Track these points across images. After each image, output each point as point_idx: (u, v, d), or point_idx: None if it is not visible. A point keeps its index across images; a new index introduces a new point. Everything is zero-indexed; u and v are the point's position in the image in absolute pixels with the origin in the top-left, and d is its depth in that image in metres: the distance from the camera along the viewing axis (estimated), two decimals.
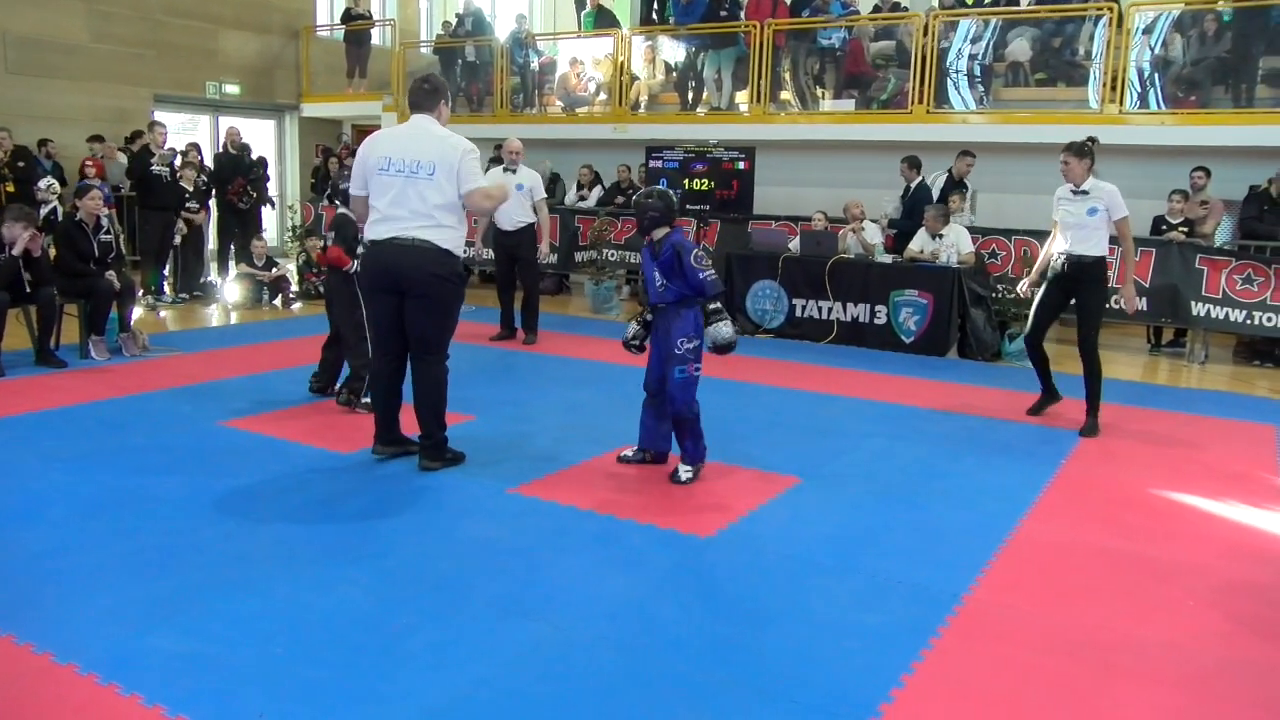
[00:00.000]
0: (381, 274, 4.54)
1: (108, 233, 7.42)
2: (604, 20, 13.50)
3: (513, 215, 8.30)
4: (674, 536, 4.01)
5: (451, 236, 4.53)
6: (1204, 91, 9.80)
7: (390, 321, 4.63)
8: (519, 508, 4.31)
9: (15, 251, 6.59)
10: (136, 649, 2.92)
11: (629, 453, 5.00)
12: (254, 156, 12.06)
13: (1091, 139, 6.12)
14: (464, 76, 14.04)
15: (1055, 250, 6.18)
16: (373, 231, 4.57)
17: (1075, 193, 6.03)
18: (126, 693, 2.68)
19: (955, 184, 9.70)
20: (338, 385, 6.04)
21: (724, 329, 4.60)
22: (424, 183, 4.43)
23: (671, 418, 4.76)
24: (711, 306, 4.62)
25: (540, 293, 8.87)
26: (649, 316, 4.85)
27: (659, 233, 4.72)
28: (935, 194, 9.68)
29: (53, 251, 7.20)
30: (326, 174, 12.92)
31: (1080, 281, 6.06)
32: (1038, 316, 6.31)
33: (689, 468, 4.73)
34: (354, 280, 5.42)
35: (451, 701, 2.71)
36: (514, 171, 8.33)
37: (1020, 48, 10.76)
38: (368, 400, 5.64)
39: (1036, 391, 6.59)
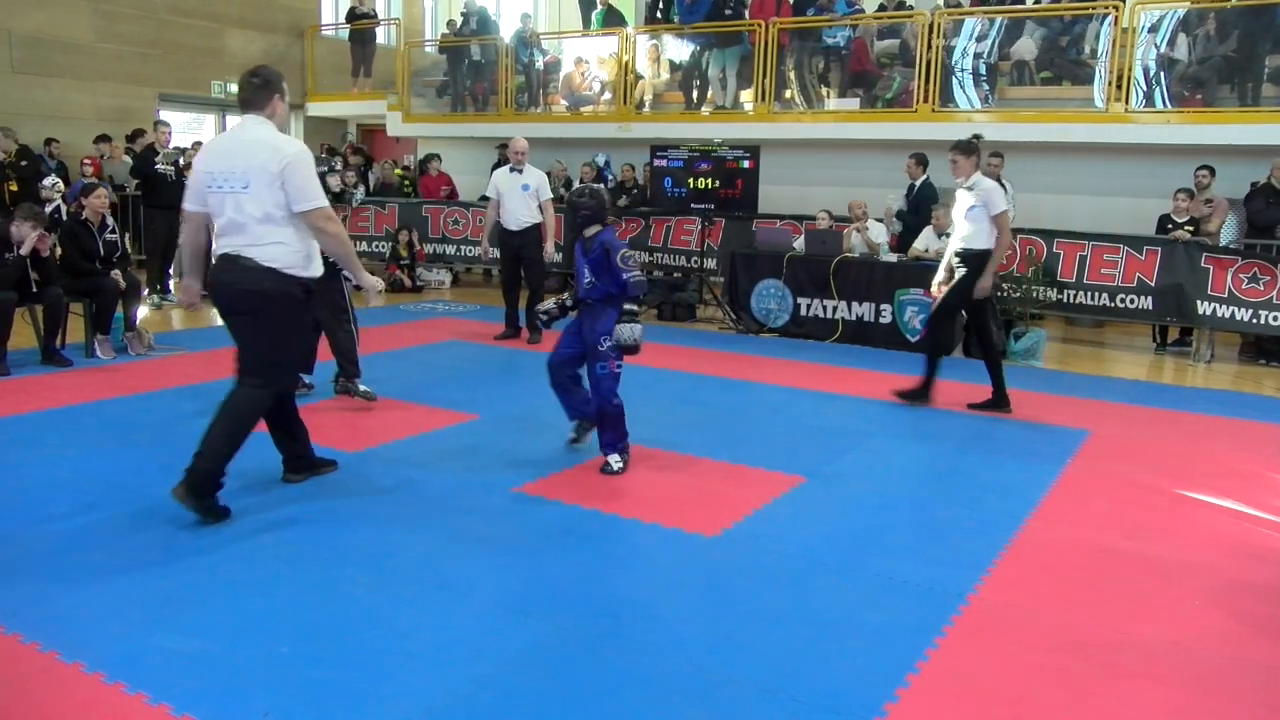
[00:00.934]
0: (216, 294, 4.07)
1: (113, 232, 7.43)
2: (613, 20, 13.50)
3: (519, 215, 8.29)
4: (678, 536, 4.01)
5: (279, 253, 3.95)
6: (1209, 90, 9.77)
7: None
8: (523, 507, 4.31)
9: (23, 251, 6.60)
10: (141, 648, 2.92)
11: (573, 434, 5.21)
12: None
13: (977, 136, 6.35)
14: (469, 75, 14.05)
15: (502, 221, 7.14)
16: (215, 250, 4.15)
17: (962, 189, 6.24)
18: (132, 691, 2.68)
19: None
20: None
21: (632, 330, 4.72)
22: (241, 196, 3.90)
23: (596, 412, 4.87)
24: (627, 306, 4.75)
25: (545, 292, 8.89)
26: (569, 302, 5.07)
27: (590, 230, 4.83)
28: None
29: (58, 250, 7.21)
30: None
31: (966, 273, 6.25)
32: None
33: (617, 456, 4.83)
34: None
35: (455, 700, 2.71)
36: (520, 172, 8.31)
37: (1025, 46, 10.74)
38: (365, 388, 5.89)
39: (1039, 390, 6.60)
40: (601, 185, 7.85)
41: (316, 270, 4.15)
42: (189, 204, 4.11)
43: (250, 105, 4.05)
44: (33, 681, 2.74)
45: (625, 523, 4.13)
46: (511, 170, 8.35)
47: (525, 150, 8.43)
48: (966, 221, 6.20)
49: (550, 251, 8.42)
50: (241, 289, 3.96)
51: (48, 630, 3.00)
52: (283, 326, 4.08)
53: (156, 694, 2.67)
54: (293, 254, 3.99)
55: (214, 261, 4.08)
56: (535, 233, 8.37)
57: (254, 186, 3.88)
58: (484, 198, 10.28)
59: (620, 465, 4.82)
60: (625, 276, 4.71)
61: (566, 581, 3.52)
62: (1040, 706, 2.80)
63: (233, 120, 14.30)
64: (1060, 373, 8.07)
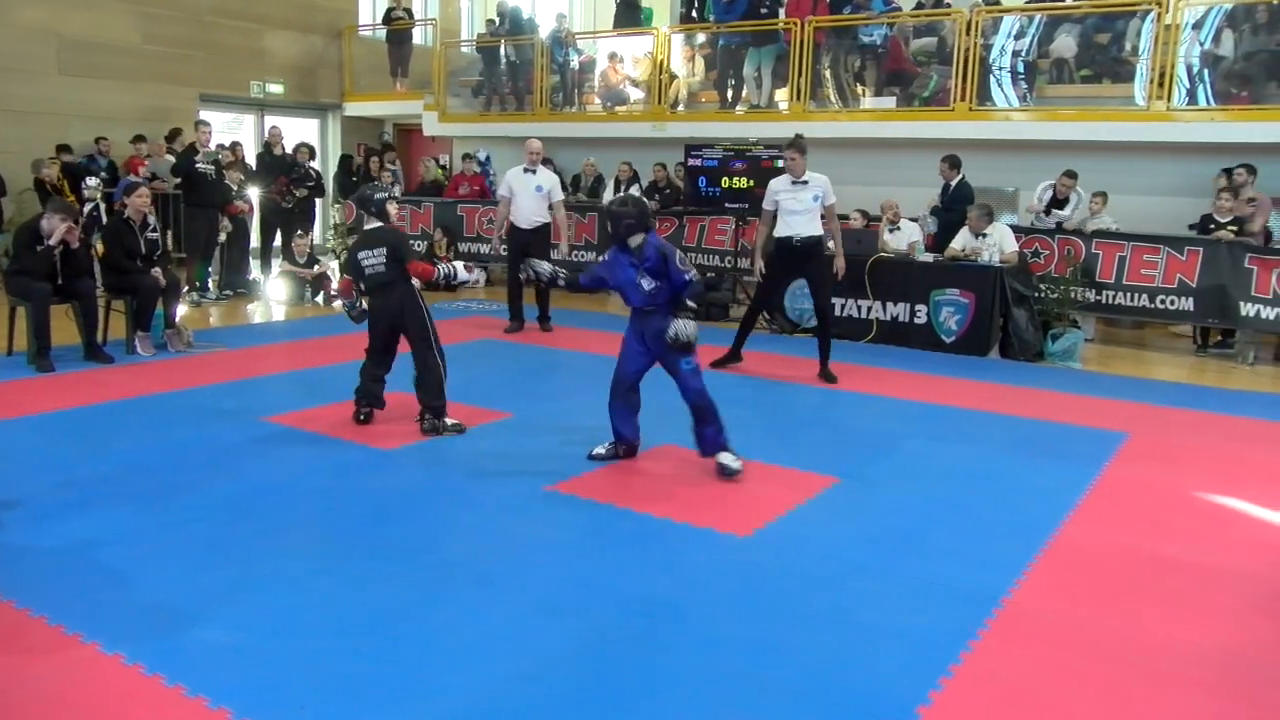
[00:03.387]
0: None
1: (154, 230, 7.54)
2: (630, 16, 13.56)
3: (530, 214, 8.54)
4: (711, 535, 4.00)
5: None
6: (1256, 87, 9.58)
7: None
8: (555, 506, 4.33)
9: (52, 242, 6.71)
10: (182, 641, 2.97)
11: (601, 450, 5.03)
12: (308, 163, 12.01)
13: (799, 135, 7.30)
14: (506, 75, 14.12)
15: (778, 234, 7.11)
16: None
17: (796, 183, 6.97)
18: (171, 683, 2.73)
19: (1058, 201, 9.61)
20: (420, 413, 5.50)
21: (690, 326, 4.73)
22: None
23: (693, 409, 4.81)
24: (690, 305, 4.75)
25: (571, 289, 8.97)
26: (561, 279, 5.14)
27: (636, 239, 4.79)
28: (1042, 206, 9.67)
29: (99, 248, 7.33)
30: (367, 172, 13.03)
31: (811, 258, 7.05)
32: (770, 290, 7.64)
33: (732, 455, 4.76)
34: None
35: (490, 697, 2.72)
36: (533, 172, 8.57)
37: (1065, 44, 10.61)
38: (453, 422, 5.44)
39: (1078, 392, 6.53)
40: (638, 195, 7.81)
41: None
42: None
43: None
44: (75, 672, 2.79)
45: (657, 522, 4.14)
46: (525, 170, 8.60)
47: (539, 151, 8.68)
48: (805, 212, 6.95)
49: (565, 251, 8.68)
50: None
51: (90, 622, 3.06)
52: None
53: (195, 686, 2.71)
54: None
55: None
56: (545, 232, 8.68)
57: None
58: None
59: (739, 465, 4.74)
60: (686, 277, 4.70)
61: (600, 581, 3.53)
62: (1077, 712, 2.77)
63: (270, 120, 14.50)
64: (1099, 374, 7.97)
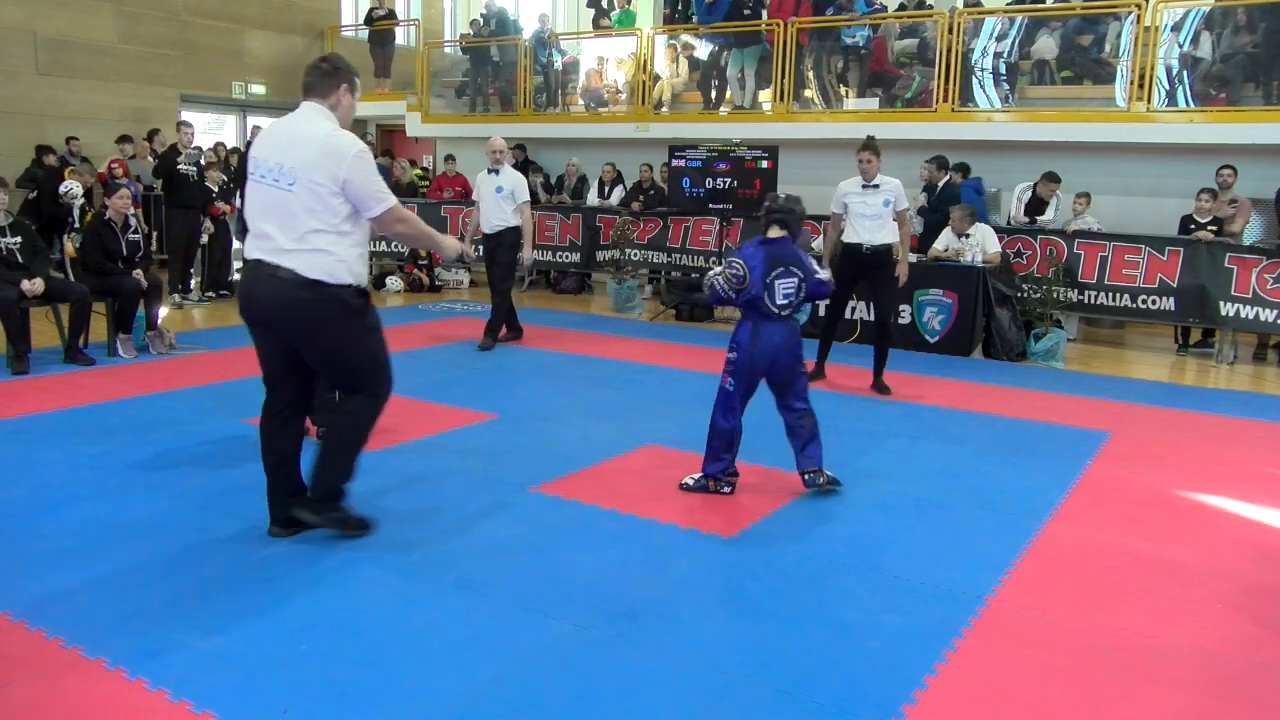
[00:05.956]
0: (245, 304, 3.67)
1: (135, 232, 7.49)
2: (627, 22, 13.54)
3: (491, 218, 8.00)
4: (696, 536, 4.00)
5: (319, 263, 3.49)
6: (1234, 89, 9.68)
7: (274, 363, 3.75)
8: (540, 507, 4.32)
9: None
10: (163, 645, 2.94)
11: (728, 489, 4.57)
12: None
13: (872, 136, 6.86)
14: (493, 76, 14.09)
15: (846, 240, 6.73)
16: (245, 250, 3.68)
17: (867, 187, 6.63)
18: (153, 688, 2.71)
19: (1038, 203, 9.64)
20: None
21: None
22: (286, 195, 3.48)
23: (815, 428, 4.62)
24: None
25: (561, 291, 8.80)
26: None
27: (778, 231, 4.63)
28: (1020, 207, 9.70)
29: (69, 248, 7.28)
30: None
31: (880, 266, 6.70)
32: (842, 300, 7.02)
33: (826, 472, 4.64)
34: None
35: (473, 699, 2.72)
36: (496, 173, 8.02)
37: (1046, 45, 10.68)
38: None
39: (1059, 392, 6.57)
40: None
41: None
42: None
43: (312, 91, 3.62)
44: (55, 678, 2.77)
45: (643, 523, 4.13)
46: (489, 171, 8.06)
47: (503, 150, 8.11)
48: (875, 219, 6.67)
49: (528, 256, 8.14)
50: (295, 313, 3.53)
51: (70, 627, 3.03)
52: (352, 336, 3.64)
53: (177, 690, 2.69)
54: (339, 263, 3.54)
55: (243, 264, 3.71)
56: (510, 235, 8.02)
57: (300, 185, 3.46)
58: None
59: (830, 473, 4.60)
60: (817, 276, 4.58)
61: (584, 581, 3.52)
62: (1059, 710, 2.78)
63: (252, 120, 14.43)
64: (1081, 374, 8.01)
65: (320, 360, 3.67)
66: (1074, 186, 9.68)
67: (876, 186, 6.62)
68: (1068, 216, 9.50)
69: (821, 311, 7.27)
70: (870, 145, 6.67)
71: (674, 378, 7.13)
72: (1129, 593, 3.63)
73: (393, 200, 3.62)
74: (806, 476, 4.56)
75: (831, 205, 6.90)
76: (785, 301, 4.49)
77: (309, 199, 3.47)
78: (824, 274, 4.66)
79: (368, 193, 3.53)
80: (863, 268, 6.71)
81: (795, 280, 4.50)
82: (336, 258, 3.52)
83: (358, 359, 3.68)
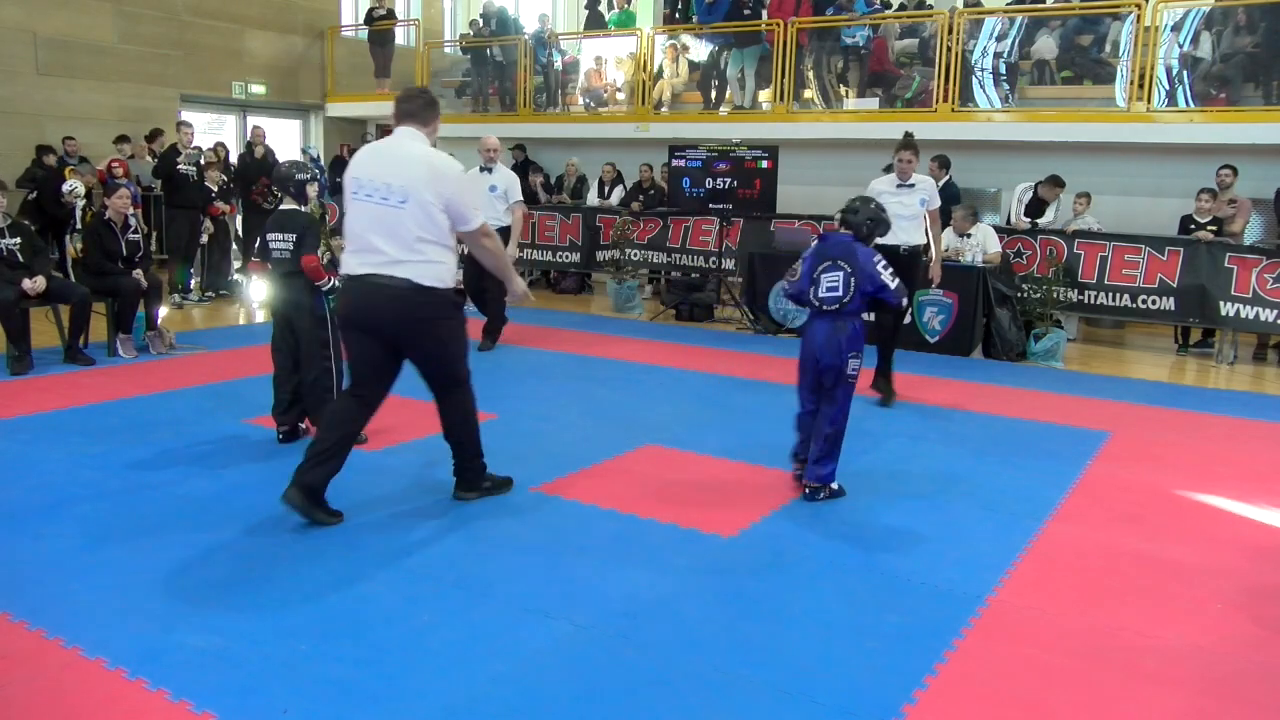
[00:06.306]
0: (355, 313, 3.97)
1: (135, 232, 7.49)
2: (626, 22, 13.53)
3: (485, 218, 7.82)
4: (695, 536, 4.00)
5: (431, 271, 3.89)
6: (1234, 89, 9.68)
7: (369, 365, 4.05)
8: (540, 506, 4.32)
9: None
10: (162, 645, 2.95)
11: (791, 468, 4.72)
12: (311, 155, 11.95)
13: (910, 133, 6.61)
14: (493, 76, 14.08)
15: (881, 241, 6.42)
16: (346, 264, 3.98)
17: (902, 186, 6.45)
18: (153, 688, 2.71)
19: (1040, 204, 9.63)
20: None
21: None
22: (395, 211, 3.82)
23: (836, 436, 4.52)
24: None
25: (561, 291, 8.79)
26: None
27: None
28: (1020, 207, 9.68)
29: (72, 249, 7.28)
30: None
31: (910, 268, 6.46)
32: None
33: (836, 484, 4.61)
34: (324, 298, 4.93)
35: (472, 699, 2.72)
36: (489, 171, 7.90)
37: (1046, 45, 10.68)
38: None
39: (1060, 391, 6.58)
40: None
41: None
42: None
43: (411, 118, 4.03)
44: (54, 677, 2.77)
45: (642, 523, 4.14)
46: (481, 170, 7.87)
47: (496, 148, 7.98)
48: (910, 219, 6.52)
49: (513, 254, 7.88)
50: (411, 319, 3.91)
51: (70, 627, 3.03)
52: (453, 336, 4.14)
53: (177, 690, 2.69)
54: (441, 270, 3.94)
55: (346, 279, 3.98)
56: (504, 235, 7.74)
57: (412, 203, 3.81)
58: None
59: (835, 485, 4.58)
60: (882, 280, 4.52)
61: (583, 581, 3.52)
62: (1059, 710, 2.79)
63: (252, 120, 14.41)
64: (1081, 374, 8.02)
65: (426, 357, 4.09)
66: (1074, 186, 9.68)
67: (912, 186, 6.47)
68: (1068, 216, 9.50)
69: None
70: (910, 144, 6.45)
71: (674, 378, 7.13)
72: (1129, 593, 3.63)
73: (484, 218, 4.12)
74: (806, 490, 4.54)
75: None
76: (828, 295, 4.49)
77: (419, 214, 3.84)
78: (891, 281, 4.52)
79: (466, 210, 3.98)
80: (898, 270, 6.52)
81: (840, 275, 4.47)
82: (445, 266, 3.96)
83: (456, 352, 4.18)
